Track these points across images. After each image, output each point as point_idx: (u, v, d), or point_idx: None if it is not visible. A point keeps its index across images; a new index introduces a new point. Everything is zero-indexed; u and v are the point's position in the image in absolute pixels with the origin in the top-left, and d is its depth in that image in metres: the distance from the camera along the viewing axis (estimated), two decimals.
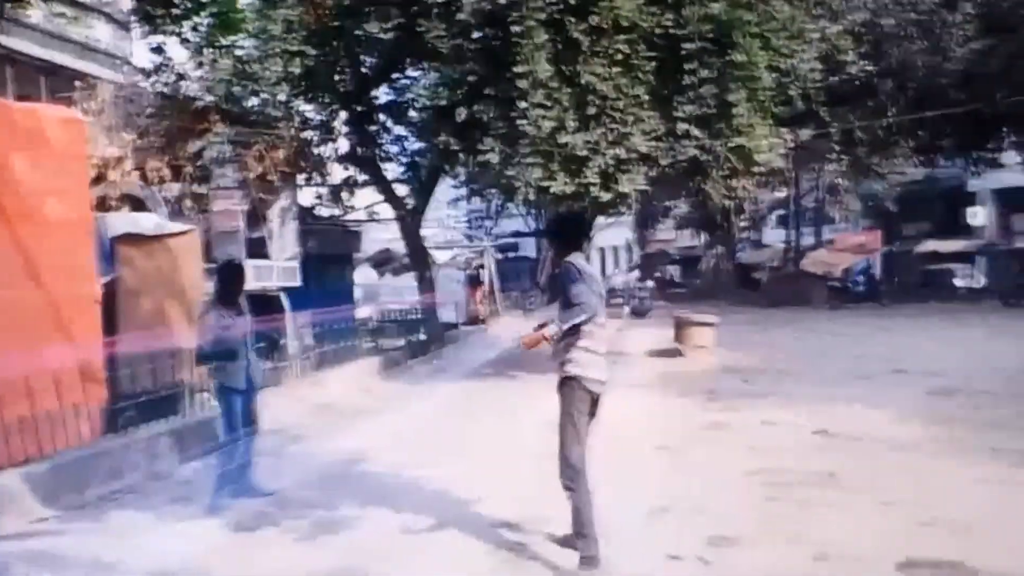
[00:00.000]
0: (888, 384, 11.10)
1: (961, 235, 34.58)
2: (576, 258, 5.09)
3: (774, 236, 46.02)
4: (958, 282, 31.32)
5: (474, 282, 27.36)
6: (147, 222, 10.65)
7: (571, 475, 4.93)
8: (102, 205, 11.34)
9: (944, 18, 22.21)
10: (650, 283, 32.86)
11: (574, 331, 4.92)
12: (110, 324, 8.66)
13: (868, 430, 8.31)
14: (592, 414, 5.10)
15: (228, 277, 6.88)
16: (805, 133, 20.10)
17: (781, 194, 39.38)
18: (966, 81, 22.02)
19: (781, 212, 42.56)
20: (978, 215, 35.10)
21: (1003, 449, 7.23)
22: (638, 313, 27.09)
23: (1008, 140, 25.11)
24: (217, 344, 6.50)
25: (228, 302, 6.70)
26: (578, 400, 4.99)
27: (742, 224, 43.49)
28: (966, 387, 10.25)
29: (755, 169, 13.64)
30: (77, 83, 13.01)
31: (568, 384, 5.02)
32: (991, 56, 21.31)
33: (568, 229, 5.41)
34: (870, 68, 21.30)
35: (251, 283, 14.22)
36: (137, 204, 12.24)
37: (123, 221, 10.33)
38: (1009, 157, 26.30)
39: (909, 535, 5.32)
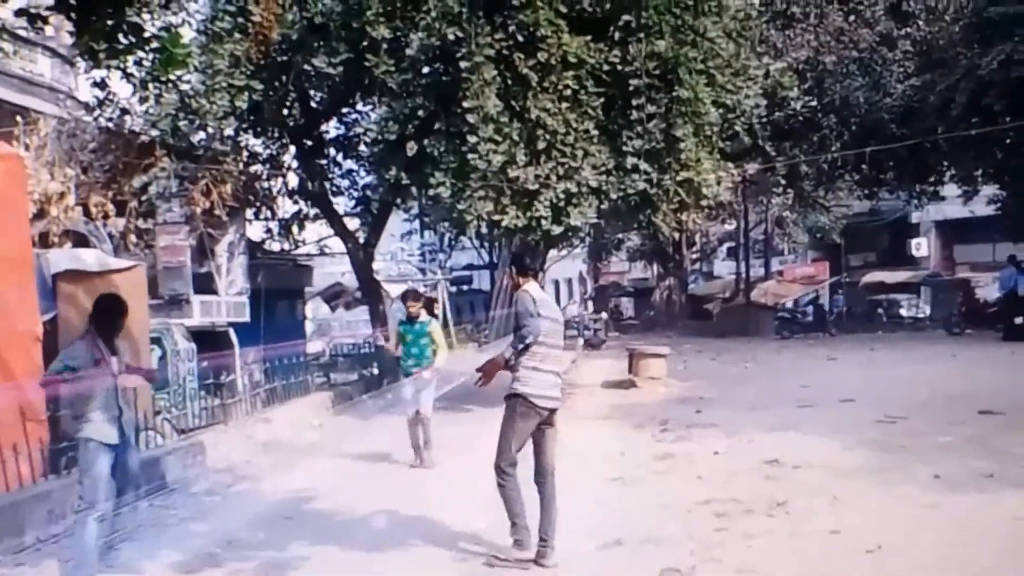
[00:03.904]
0: (836, 412, 11.21)
1: (905, 266, 35.34)
2: (531, 287, 5.89)
3: (724, 268, 46.66)
4: (903, 312, 31.93)
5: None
6: (90, 258, 10.43)
7: (502, 474, 5.64)
8: (44, 241, 11.11)
9: (884, 55, 22.90)
10: (603, 315, 33.01)
11: (524, 352, 5.61)
12: (51, 362, 8.44)
13: (817, 458, 8.37)
14: (549, 423, 5.77)
15: (107, 308, 6.06)
16: (751, 167, 20.55)
17: (730, 227, 40.02)
18: (906, 116, 22.63)
19: (731, 244, 43.20)
20: (921, 246, 35.92)
21: (947, 475, 7.34)
22: (592, 345, 27.16)
23: (948, 173, 25.76)
24: (79, 385, 5.66)
25: (105, 336, 5.90)
26: (520, 415, 5.66)
27: (693, 256, 44.03)
28: (911, 414, 10.38)
29: (703, 202, 13.86)
30: (18, 118, 12.79)
31: (513, 399, 5.70)
32: (929, 92, 21.94)
33: (525, 259, 6.35)
34: (813, 104, 21.90)
35: (199, 319, 14.05)
36: (80, 240, 12.02)
37: (65, 257, 10.11)
38: (949, 190, 26.94)
39: (857, 563, 5.36)
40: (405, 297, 10.09)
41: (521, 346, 5.56)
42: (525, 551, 5.62)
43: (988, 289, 25.54)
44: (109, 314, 6.03)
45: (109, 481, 5.76)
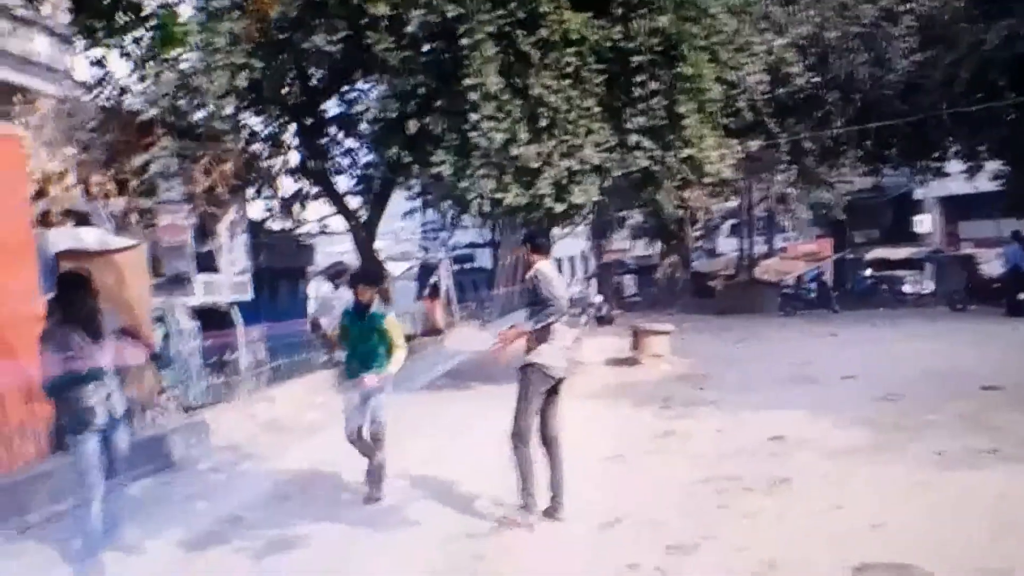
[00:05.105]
0: (838, 390, 11.20)
1: (909, 242, 35.23)
2: (544, 265, 6.26)
3: (728, 245, 46.45)
4: (907, 288, 31.85)
5: (432, 292, 27.08)
6: (90, 237, 10.45)
7: (518, 440, 6.09)
8: (44, 220, 11.09)
9: (887, 31, 22.66)
10: (600, 298, 33.04)
11: (549, 323, 6.05)
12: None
13: (818, 435, 8.38)
14: (555, 391, 6.27)
15: (68, 288, 5.69)
16: (754, 144, 20.41)
17: (733, 204, 39.82)
18: (909, 92, 22.46)
19: (734, 221, 42.99)
20: (924, 222, 35.80)
21: (948, 451, 7.34)
22: (604, 321, 27.22)
23: (951, 149, 25.63)
24: (66, 373, 5.41)
25: (78, 320, 5.55)
26: (534, 382, 6.12)
27: (696, 233, 43.81)
28: (913, 392, 10.37)
29: (705, 179, 13.75)
30: (16, 97, 12.70)
31: (528, 368, 6.15)
32: (932, 67, 21.78)
33: (538, 238, 6.64)
34: (816, 80, 21.72)
35: (201, 298, 14.05)
36: (80, 219, 11.99)
37: (66, 236, 10.12)
38: (953, 166, 26.79)
39: (861, 539, 5.37)
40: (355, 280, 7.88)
41: (549, 319, 6.02)
42: (531, 515, 6.07)
43: (992, 265, 25.46)
44: (70, 296, 5.64)
45: (102, 460, 5.62)
